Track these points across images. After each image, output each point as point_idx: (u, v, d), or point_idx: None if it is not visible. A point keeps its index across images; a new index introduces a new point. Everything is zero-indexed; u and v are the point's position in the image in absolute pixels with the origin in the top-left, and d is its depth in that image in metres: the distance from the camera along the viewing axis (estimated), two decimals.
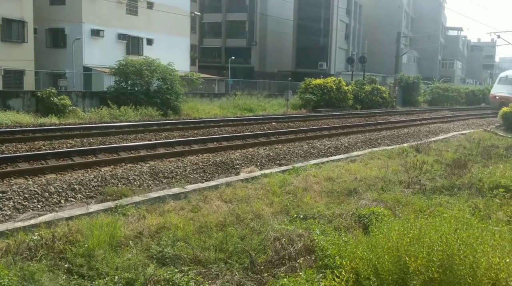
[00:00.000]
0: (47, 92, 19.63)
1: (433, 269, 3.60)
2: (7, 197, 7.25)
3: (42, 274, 4.48)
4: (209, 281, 4.59)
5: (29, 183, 8.04)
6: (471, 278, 3.53)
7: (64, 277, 4.56)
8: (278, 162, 11.86)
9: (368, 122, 22.08)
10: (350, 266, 4.06)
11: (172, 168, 9.92)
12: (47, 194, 7.66)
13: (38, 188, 7.77)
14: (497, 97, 35.19)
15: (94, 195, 8.05)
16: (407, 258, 3.76)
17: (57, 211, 6.93)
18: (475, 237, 3.90)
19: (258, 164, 11.36)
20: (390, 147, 14.06)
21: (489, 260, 3.58)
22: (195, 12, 45.24)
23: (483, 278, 3.51)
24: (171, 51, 33.96)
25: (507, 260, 3.58)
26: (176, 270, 4.72)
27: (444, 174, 9.97)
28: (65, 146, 12.05)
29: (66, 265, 4.80)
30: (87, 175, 8.85)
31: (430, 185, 8.85)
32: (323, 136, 16.14)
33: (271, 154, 12.31)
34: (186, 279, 4.44)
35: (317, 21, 54.23)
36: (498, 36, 37.35)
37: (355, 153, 12.94)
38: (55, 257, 4.98)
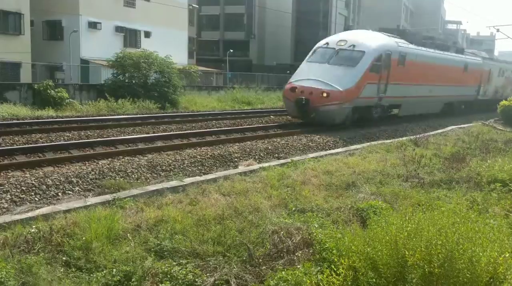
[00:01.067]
0: (44, 85, 19.53)
1: (434, 264, 3.59)
2: (5, 189, 7.23)
3: (40, 267, 4.47)
4: (207, 274, 4.58)
5: (26, 175, 8.02)
6: (469, 272, 3.52)
7: (62, 270, 4.55)
8: (276, 155, 11.84)
9: None
10: (348, 262, 4.05)
11: (170, 161, 9.90)
12: (44, 186, 7.63)
13: (36, 180, 7.74)
14: (296, 89, 16.55)
15: (92, 188, 8.03)
16: (405, 252, 3.75)
17: (54, 204, 6.91)
18: (474, 231, 3.89)
19: (257, 157, 11.35)
20: (388, 141, 14.04)
21: (488, 254, 3.58)
22: (193, 5, 45.01)
23: (482, 272, 3.51)
24: (169, 44, 33.79)
25: (507, 255, 3.57)
26: (174, 263, 4.71)
27: (443, 168, 9.96)
28: (62, 138, 12.02)
29: (63, 258, 4.79)
30: (85, 168, 8.83)
31: (429, 179, 8.85)
32: (321, 130, 16.11)
33: (270, 147, 12.29)
34: (184, 272, 4.44)
35: (316, 14, 54.02)
36: (498, 30, 37.14)
37: (353, 147, 12.93)
38: (53, 249, 4.96)
